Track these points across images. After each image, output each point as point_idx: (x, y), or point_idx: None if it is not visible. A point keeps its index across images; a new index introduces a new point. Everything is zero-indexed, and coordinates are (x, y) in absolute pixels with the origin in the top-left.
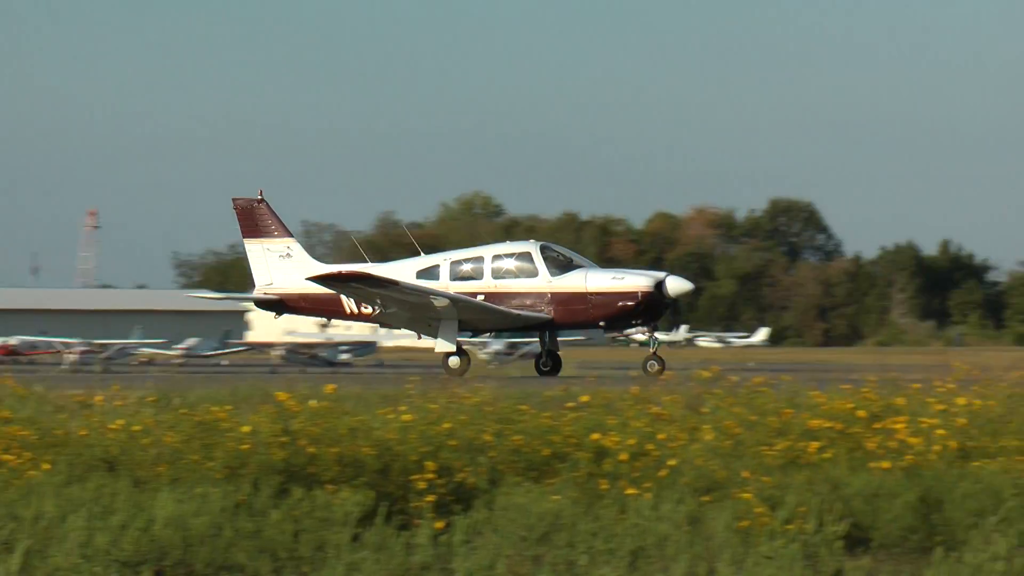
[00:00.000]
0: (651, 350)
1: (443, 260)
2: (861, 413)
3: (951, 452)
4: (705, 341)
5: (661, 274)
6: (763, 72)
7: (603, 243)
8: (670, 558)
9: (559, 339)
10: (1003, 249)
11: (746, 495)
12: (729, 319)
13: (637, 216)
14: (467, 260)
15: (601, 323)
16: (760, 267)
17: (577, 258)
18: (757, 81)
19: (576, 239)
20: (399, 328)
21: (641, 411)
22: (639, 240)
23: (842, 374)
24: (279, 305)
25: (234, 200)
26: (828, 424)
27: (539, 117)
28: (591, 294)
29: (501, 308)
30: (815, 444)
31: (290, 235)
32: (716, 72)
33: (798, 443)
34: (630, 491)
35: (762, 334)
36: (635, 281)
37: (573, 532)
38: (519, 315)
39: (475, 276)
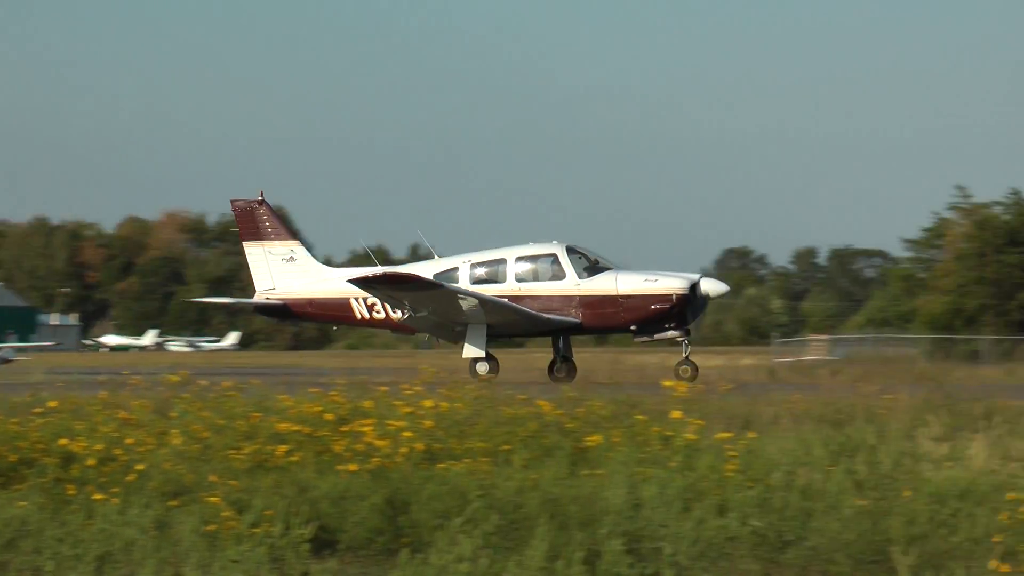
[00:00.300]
0: (683, 354)
1: (462, 263)
2: (329, 416)
3: (418, 454)
4: (176, 345)
5: (695, 276)
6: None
7: (73, 248)
8: (137, 563)
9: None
10: None
11: (214, 499)
12: (199, 323)
13: (109, 221)
14: (487, 262)
15: (632, 327)
16: (231, 271)
17: (603, 259)
18: (222, 88)
19: (46, 244)
20: (421, 333)
21: (110, 416)
22: (110, 245)
23: (312, 377)
24: (283, 311)
25: (233, 202)
26: (296, 427)
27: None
28: (622, 297)
29: (536, 313)
30: (283, 447)
31: (294, 238)
32: (179, 77)
33: (266, 447)
34: (97, 496)
35: (232, 338)
36: (669, 283)
37: (40, 538)
38: (550, 319)
39: (497, 279)
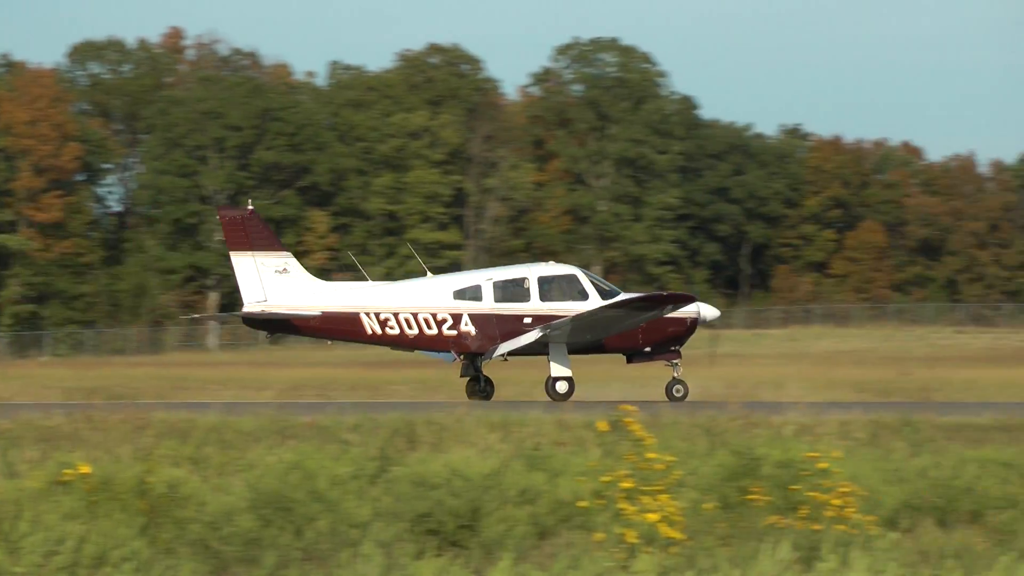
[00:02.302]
0: (675, 374)
1: (483, 280)
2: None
3: None
4: None
5: (694, 297)
6: None
7: None
8: None
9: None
10: None
11: None
12: None
13: None
14: (509, 281)
15: (648, 348)
16: None
17: (605, 283)
18: None
19: None
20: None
21: None
22: None
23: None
24: (280, 323)
25: (219, 210)
26: None
27: None
28: (644, 320)
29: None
30: None
31: (285, 249)
32: None
33: None
34: None
35: None
36: (686, 308)
37: None
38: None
39: (520, 298)
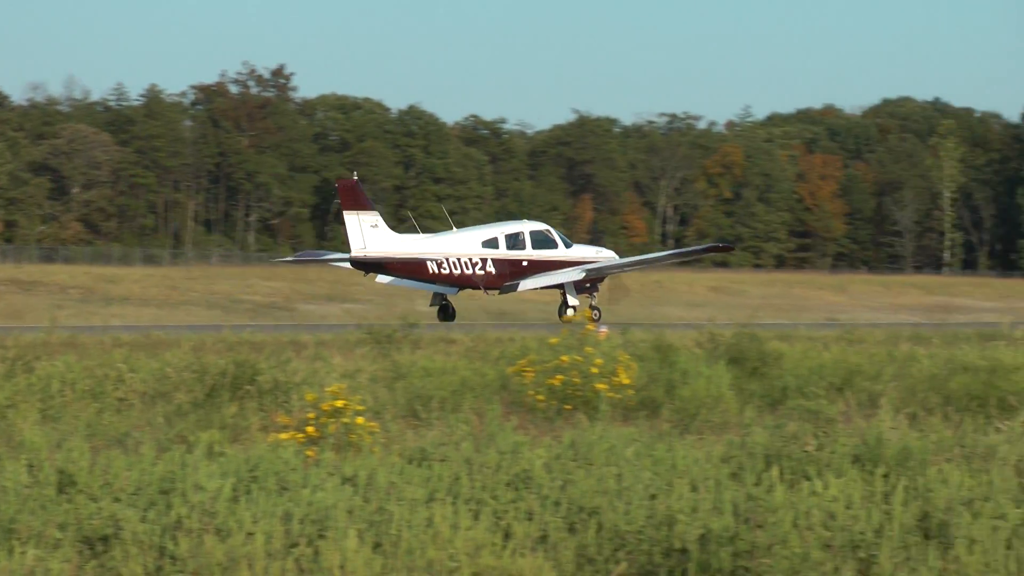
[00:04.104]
0: (592, 303)
1: (499, 233)
2: None
3: None
4: None
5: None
6: None
7: None
8: None
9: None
10: None
11: None
12: None
13: None
14: (513, 234)
15: (588, 284)
16: None
17: (564, 236)
18: None
19: None
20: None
21: None
22: None
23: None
24: (375, 265)
25: (338, 180)
26: None
27: None
28: (589, 261)
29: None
30: None
31: (375, 210)
32: None
33: None
34: None
35: None
36: (609, 253)
37: None
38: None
39: (520, 246)
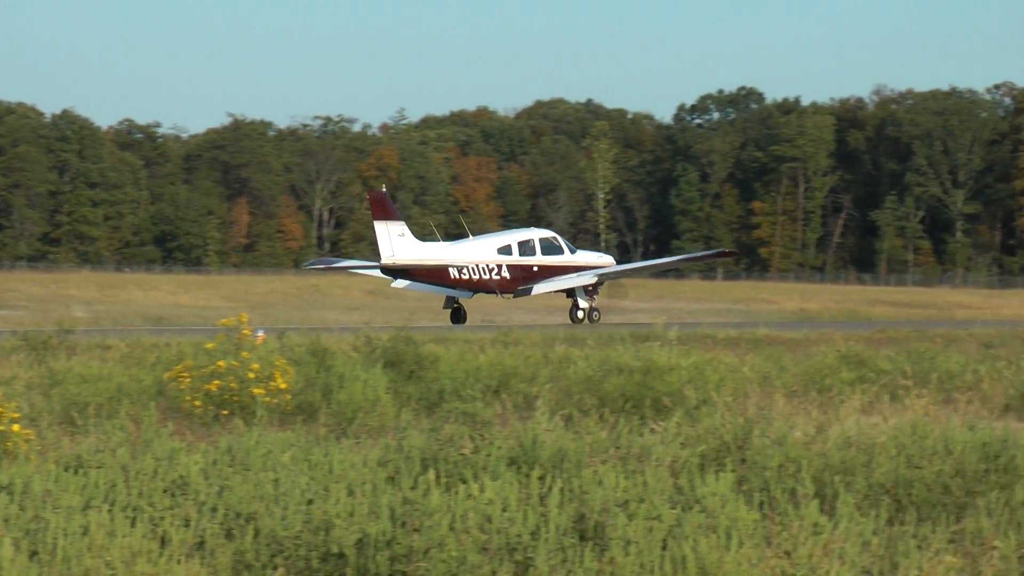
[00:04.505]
0: (592, 304)
1: (512, 240)
2: None
3: None
4: None
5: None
6: None
7: None
8: None
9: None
10: None
11: None
12: None
13: None
14: (525, 241)
15: (590, 287)
16: None
17: (568, 243)
18: None
19: None
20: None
21: None
22: None
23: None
24: (403, 272)
25: (368, 191)
26: None
27: None
28: (594, 266)
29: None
30: None
31: (401, 220)
32: None
33: None
34: None
35: None
36: (608, 259)
37: None
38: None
39: (530, 252)
